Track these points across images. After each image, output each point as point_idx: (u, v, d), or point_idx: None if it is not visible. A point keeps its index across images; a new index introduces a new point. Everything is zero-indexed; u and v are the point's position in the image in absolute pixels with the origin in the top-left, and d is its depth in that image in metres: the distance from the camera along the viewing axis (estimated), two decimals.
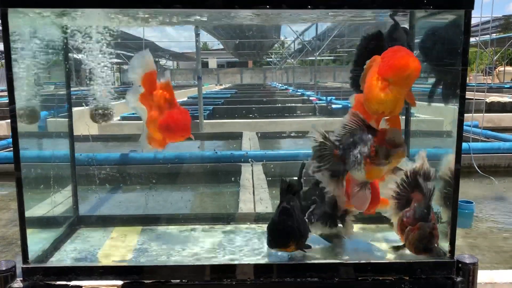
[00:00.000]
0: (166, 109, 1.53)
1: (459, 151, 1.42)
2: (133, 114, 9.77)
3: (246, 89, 23.45)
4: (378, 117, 1.44)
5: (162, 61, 33.43)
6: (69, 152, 1.92)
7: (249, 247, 1.66)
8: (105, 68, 1.93)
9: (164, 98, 1.54)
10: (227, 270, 1.43)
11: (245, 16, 1.68)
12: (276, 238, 1.46)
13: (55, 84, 2.08)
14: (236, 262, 1.49)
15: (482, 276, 2.23)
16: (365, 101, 1.41)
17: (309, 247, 1.52)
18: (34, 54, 1.75)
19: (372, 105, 1.39)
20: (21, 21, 1.51)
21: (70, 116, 1.93)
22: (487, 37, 16.61)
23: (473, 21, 14.57)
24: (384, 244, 1.68)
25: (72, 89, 1.94)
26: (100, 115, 2.01)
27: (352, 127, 1.43)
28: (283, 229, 1.45)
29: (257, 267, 1.43)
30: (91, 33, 1.78)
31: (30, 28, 1.61)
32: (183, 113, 1.54)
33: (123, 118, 9.50)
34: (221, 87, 30.25)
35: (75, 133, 1.90)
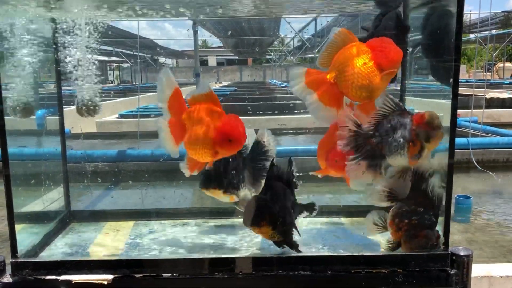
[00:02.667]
0: (217, 121, 1.38)
1: (452, 145, 1.40)
2: (130, 112, 9.76)
3: (246, 87, 23.40)
4: (366, 104, 1.43)
5: (161, 59, 33.44)
6: (61, 148, 1.91)
7: (242, 240, 1.64)
8: (91, 61, 1.92)
9: (210, 111, 1.39)
10: (219, 263, 1.41)
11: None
12: (249, 215, 1.45)
13: (45, 82, 2.07)
14: (227, 256, 1.47)
15: (479, 269, 2.22)
16: (360, 89, 1.39)
17: (297, 247, 1.47)
18: (22, 49, 1.74)
19: (365, 93, 1.39)
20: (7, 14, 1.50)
21: (61, 114, 1.91)
22: (486, 33, 16.58)
23: (473, 17, 14.54)
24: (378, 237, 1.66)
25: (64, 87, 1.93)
26: (87, 109, 1.99)
27: (387, 112, 1.40)
28: (257, 206, 1.44)
29: (248, 260, 1.41)
30: (78, 25, 1.77)
31: (17, 22, 1.60)
32: (237, 120, 1.41)
33: (121, 116, 9.48)
34: (220, 85, 30.22)
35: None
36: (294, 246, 1.47)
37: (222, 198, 1.62)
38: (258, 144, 1.60)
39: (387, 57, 1.35)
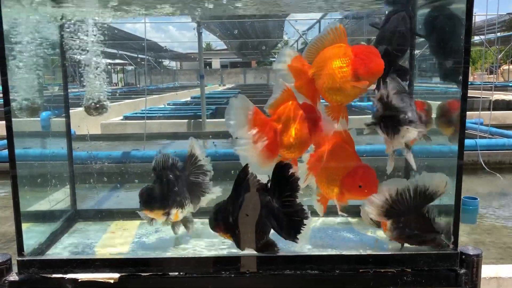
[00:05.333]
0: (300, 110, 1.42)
1: (461, 146, 1.39)
2: (135, 114, 9.79)
3: (250, 89, 23.42)
4: (335, 107, 1.43)
5: (166, 61, 33.52)
6: (67, 149, 1.91)
7: None
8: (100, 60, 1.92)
9: (292, 106, 1.42)
10: (226, 262, 1.40)
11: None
12: (210, 218, 1.47)
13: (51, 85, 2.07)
14: (233, 255, 1.46)
15: (488, 270, 2.21)
16: (330, 91, 1.39)
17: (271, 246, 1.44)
18: (29, 49, 1.74)
19: (338, 98, 1.40)
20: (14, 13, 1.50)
21: (67, 115, 1.92)
22: (490, 35, 16.51)
23: (478, 19, 14.46)
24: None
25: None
26: (94, 108, 2.00)
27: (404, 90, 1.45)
28: (213, 212, 1.46)
29: (255, 259, 1.40)
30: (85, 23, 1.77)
31: (24, 20, 1.61)
32: (310, 105, 1.45)
33: (126, 118, 9.51)
34: (224, 87, 30.27)
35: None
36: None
37: (161, 217, 1.58)
38: (191, 158, 1.60)
39: (366, 67, 1.33)
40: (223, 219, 1.45)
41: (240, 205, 1.42)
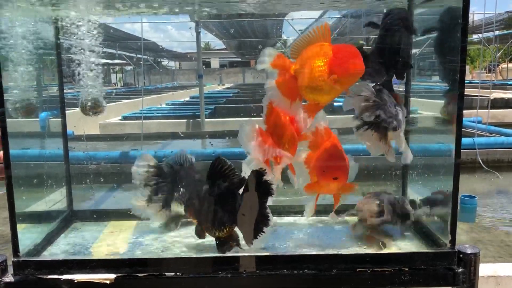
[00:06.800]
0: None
1: (458, 145, 1.38)
2: (134, 114, 9.78)
3: (249, 89, 23.42)
4: (312, 105, 1.44)
5: (164, 61, 33.52)
6: (63, 149, 1.91)
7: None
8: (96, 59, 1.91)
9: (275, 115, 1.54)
10: (222, 262, 1.40)
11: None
12: (185, 202, 1.57)
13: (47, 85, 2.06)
14: (231, 254, 1.45)
15: (486, 269, 2.21)
16: (307, 89, 1.40)
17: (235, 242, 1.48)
18: (25, 49, 1.73)
19: (315, 96, 1.40)
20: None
21: (63, 115, 1.91)
22: (489, 33, 16.53)
23: (476, 17, 14.48)
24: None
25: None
26: (91, 107, 1.99)
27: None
28: (190, 195, 1.54)
29: (252, 259, 1.39)
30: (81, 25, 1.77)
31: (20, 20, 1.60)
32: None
33: (124, 118, 9.49)
34: (223, 87, 30.28)
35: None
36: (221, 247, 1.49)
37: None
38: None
39: (342, 67, 1.32)
40: (193, 204, 1.52)
41: (208, 194, 1.47)
